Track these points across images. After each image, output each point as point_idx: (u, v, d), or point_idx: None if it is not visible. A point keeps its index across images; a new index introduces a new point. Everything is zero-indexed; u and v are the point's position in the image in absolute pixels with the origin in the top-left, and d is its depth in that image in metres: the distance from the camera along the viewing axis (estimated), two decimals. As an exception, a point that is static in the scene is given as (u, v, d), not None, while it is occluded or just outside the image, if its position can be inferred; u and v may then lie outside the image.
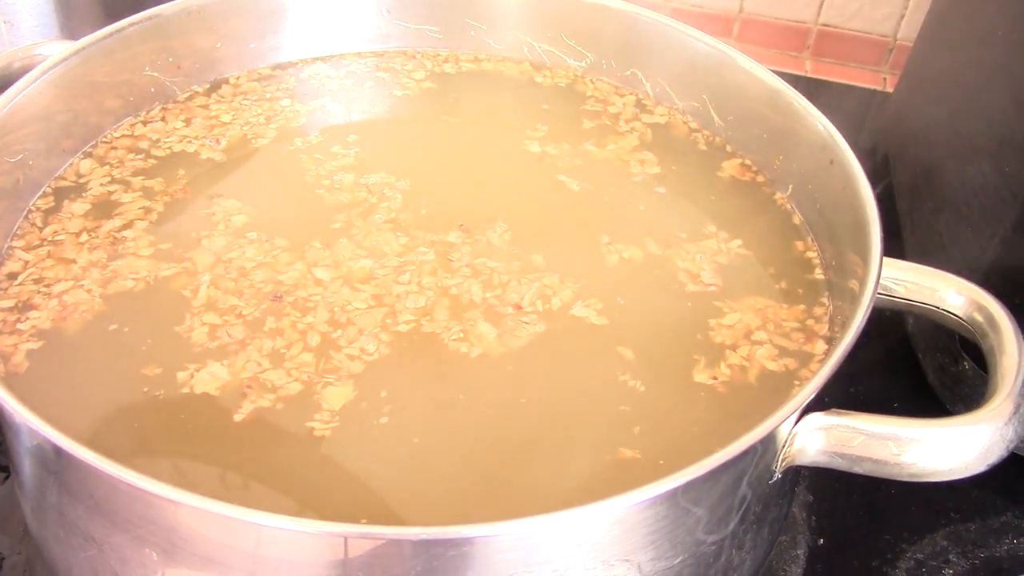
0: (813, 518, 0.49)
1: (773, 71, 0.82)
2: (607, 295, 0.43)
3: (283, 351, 0.39)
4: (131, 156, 0.49)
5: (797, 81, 0.84)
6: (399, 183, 0.48)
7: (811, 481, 0.50)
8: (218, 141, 0.50)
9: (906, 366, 0.56)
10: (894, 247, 0.62)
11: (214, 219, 0.46)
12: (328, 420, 0.37)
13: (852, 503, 0.50)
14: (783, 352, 0.41)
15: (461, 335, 0.41)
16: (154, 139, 0.50)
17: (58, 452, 0.32)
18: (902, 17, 0.82)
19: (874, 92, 0.83)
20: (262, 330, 0.40)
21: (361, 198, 0.47)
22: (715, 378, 0.39)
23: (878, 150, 0.73)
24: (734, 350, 0.41)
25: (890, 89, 0.82)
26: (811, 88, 0.83)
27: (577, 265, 0.44)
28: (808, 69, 0.86)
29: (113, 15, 0.64)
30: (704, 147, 0.53)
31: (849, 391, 0.56)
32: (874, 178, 0.69)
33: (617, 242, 0.46)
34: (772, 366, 0.40)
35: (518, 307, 0.42)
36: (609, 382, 0.39)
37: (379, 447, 0.36)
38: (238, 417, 0.37)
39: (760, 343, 0.41)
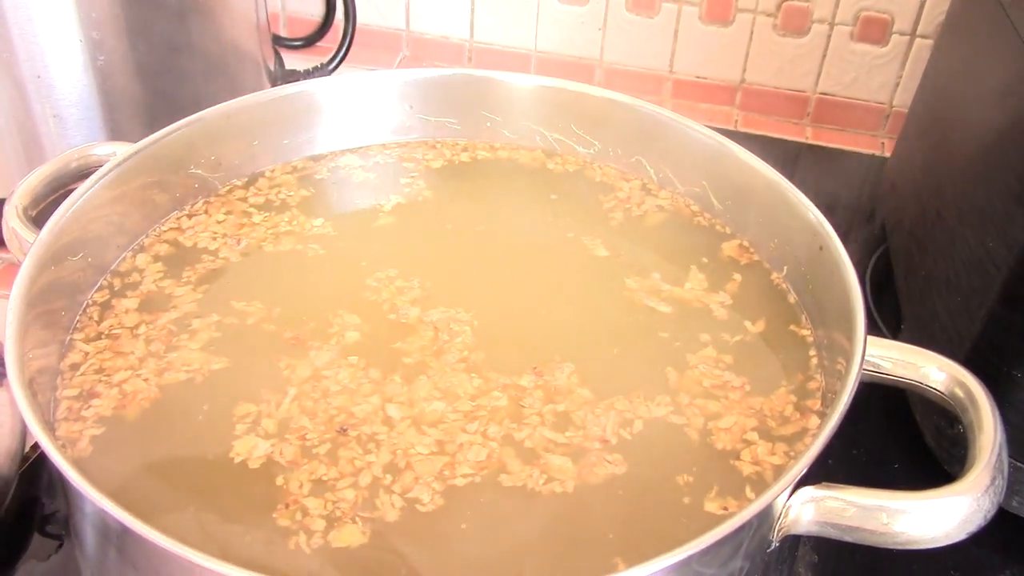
0: (818, 578, 0.51)
1: (775, 139, 0.87)
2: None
3: (328, 481, 0.41)
4: (178, 250, 0.53)
5: (799, 147, 0.88)
6: (463, 315, 0.49)
7: (816, 542, 0.53)
8: (238, 241, 0.54)
9: (906, 428, 0.59)
10: (890, 312, 0.65)
11: (330, 330, 0.48)
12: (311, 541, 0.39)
13: (856, 563, 0.52)
14: (783, 440, 0.44)
15: (544, 479, 0.41)
16: (199, 233, 0.55)
17: (124, 530, 0.35)
18: (897, 85, 0.87)
19: (873, 157, 0.87)
20: (318, 455, 0.42)
21: (430, 336, 0.48)
22: (725, 508, 0.41)
23: (876, 216, 0.77)
24: (738, 458, 0.43)
25: (888, 154, 0.86)
26: (812, 154, 0.88)
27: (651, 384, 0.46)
28: (809, 136, 0.90)
29: (154, 111, 0.69)
30: (706, 228, 0.57)
31: (852, 452, 0.59)
32: (872, 244, 0.74)
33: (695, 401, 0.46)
34: (778, 460, 0.43)
35: (604, 440, 0.43)
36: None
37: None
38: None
39: (755, 443, 0.44)
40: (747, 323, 0.50)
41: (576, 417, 0.44)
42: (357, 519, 0.39)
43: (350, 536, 0.39)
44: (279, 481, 0.41)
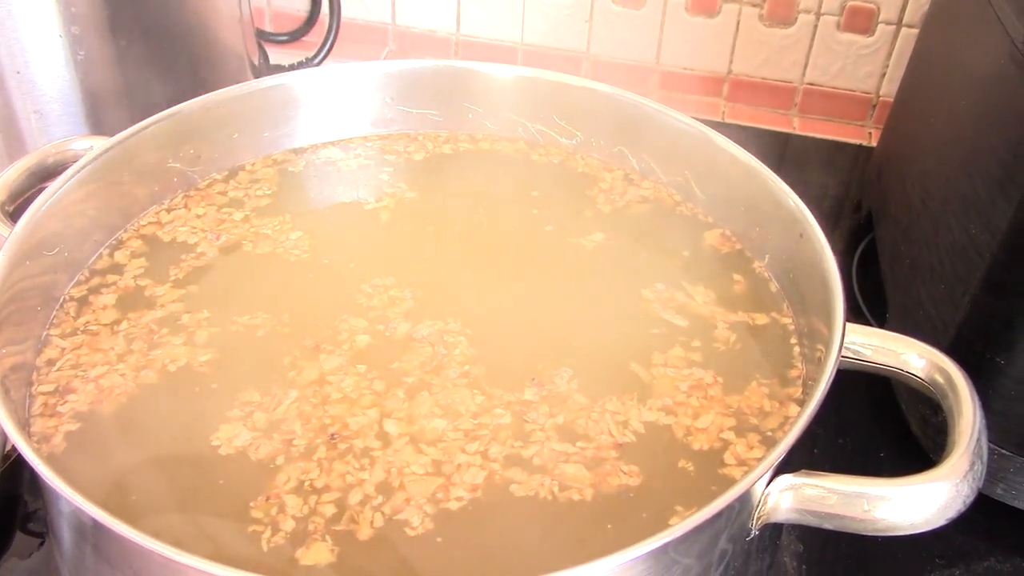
0: (804, 567, 0.51)
1: (762, 130, 0.87)
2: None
3: (314, 489, 0.40)
4: (157, 245, 0.53)
5: (787, 138, 0.88)
6: (454, 324, 0.48)
7: (801, 531, 0.52)
8: (217, 237, 0.53)
9: (891, 416, 0.58)
10: (877, 301, 0.65)
11: (339, 338, 0.47)
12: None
13: (840, 552, 0.52)
14: (763, 435, 0.43)
15: (557, 486, 0.40)
16: (178, 228, 0.54)
17: (97, 526, 0.35)
18: (883, 75, 0.86)
19: (860, 147, 0.87)
20: (311, 459, 0.41)
21: (428, 352, 0.47)
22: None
23: (863, 205, 0.77)
24: (723, 462, 0.42)
25: (874, 144, 0.86)
26: (799, 144, 0.87)
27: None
28: (796, 126, 0.90)
29: (135, 107, 0.68)
30: (688, 217, 0.57)
31: (838, 441, 0.59)
32: (859, 233, 0.73)
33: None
34: (758, 453, 0.42)
35: (617, 445, 0.42)
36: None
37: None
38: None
39: (732, 442, 0.43)
40: (730, 314, 0.50)
41: (579, 426, 0.43)
42: (327, 537, 0.38)
43: (318, 554, 0.38)
44: (273, 465, 0.41)
